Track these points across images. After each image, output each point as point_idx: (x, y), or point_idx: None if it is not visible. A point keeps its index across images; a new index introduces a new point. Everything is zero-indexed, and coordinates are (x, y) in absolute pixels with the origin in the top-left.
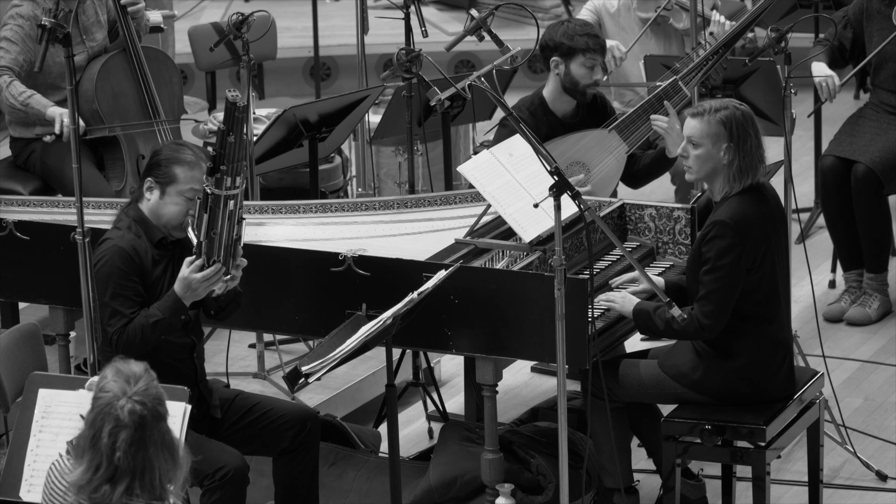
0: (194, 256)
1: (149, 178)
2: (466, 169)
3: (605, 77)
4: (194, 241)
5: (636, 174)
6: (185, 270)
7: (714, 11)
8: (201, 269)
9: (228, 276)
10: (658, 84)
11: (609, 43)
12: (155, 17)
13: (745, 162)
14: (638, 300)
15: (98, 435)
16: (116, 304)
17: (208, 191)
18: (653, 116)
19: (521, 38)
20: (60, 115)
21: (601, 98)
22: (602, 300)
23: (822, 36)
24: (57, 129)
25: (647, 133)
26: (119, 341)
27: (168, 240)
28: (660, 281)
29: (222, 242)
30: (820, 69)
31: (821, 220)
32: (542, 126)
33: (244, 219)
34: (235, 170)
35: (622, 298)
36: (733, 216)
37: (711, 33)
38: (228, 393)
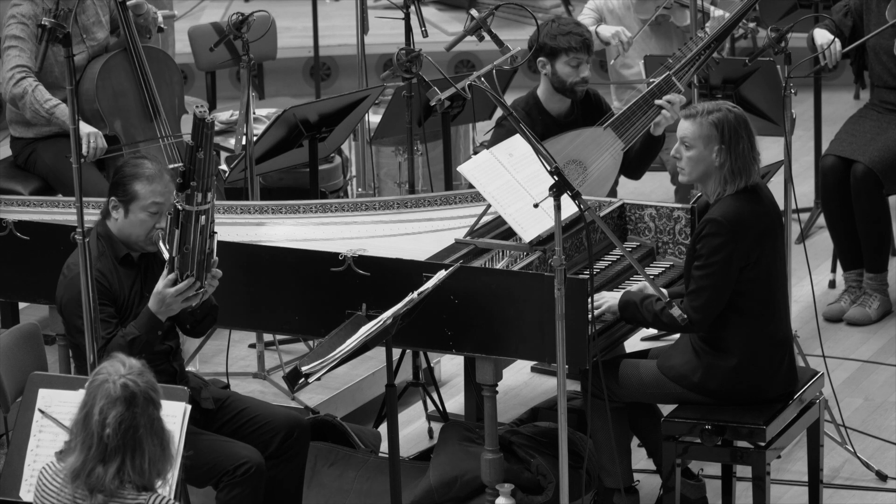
0: (167, 271)
1: (112, 198)
2: (466, 169)
3: (612, 60)
4: (165, 254)
5: (631, 164)
6: (159, 286)
7: (712, 7)
8: (174, 284)
9: (202, 290)
10: (651, 80)
11: (613, 29)
12: None
13: (736, 164)
14: (623, 292)
15: (90, 413)
16: None
17: (179, 207)
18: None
19: (521, 38)
20: (88, 136)
21: (595, 95)
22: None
23: (824, 15)
24: (84, 151)
25: (643, 129)
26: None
27: (133, 256)
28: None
29: (195, 257)
30: (823, 35)
31: (821, 220)
32: (537, 125)
33: (216, 233)
34: (206, 185)
35: (606, 296)
36: (725, 214)
37: (704, 28)
38: (222, 393)
